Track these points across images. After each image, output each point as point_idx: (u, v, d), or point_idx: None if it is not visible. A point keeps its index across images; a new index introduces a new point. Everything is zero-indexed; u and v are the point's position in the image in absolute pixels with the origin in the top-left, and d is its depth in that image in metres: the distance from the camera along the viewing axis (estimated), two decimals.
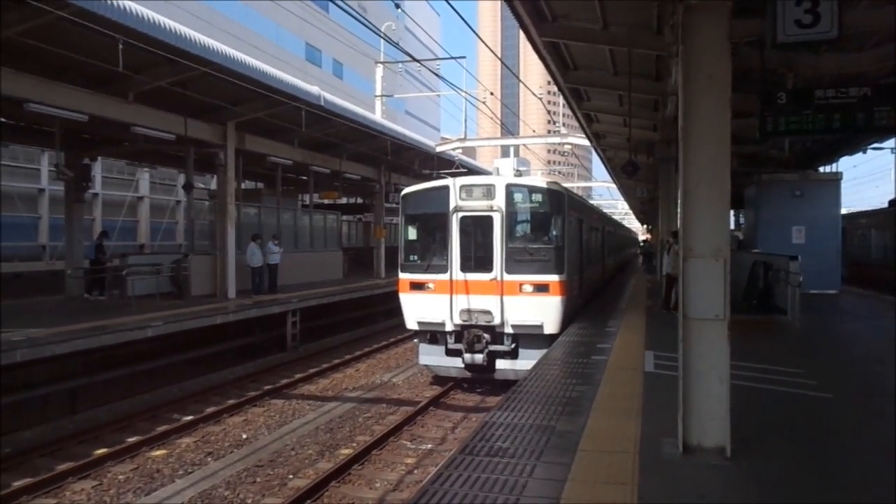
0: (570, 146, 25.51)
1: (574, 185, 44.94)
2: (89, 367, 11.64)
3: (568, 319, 12.94)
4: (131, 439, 10.02)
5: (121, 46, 11.25)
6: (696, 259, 5.24)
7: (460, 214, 12.70)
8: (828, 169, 21.77)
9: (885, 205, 26.20)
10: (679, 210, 5.39)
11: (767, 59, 9.35)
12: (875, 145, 21.37)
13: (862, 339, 11.89)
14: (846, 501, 4.55)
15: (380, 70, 31.63)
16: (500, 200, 12.49)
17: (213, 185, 23.33)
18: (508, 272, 12.35)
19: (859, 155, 22.03)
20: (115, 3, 10.81)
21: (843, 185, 19.83)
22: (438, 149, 25.85)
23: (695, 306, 5.23)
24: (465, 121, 25.81)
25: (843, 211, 22.51)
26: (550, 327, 12.24)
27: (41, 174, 23.08)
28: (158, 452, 9.54)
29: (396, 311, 14.20)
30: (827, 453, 5.46)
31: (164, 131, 15.69)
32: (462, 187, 12.74)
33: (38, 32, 10.97)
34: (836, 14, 5.14)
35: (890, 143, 23.86)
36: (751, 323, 12.69)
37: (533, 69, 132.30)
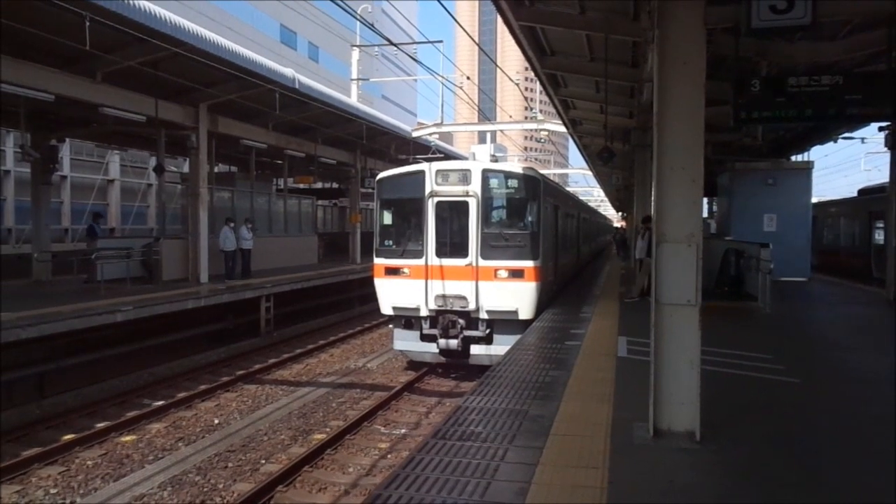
0: (546, 133, 25.50)
1: (550, 171, 45.00)
2: (57, 351, 11.43)
3: (542, 305, 12.98)
4: (100, 425, 9.89)
5: (87, 24, 10.95)
6: (668, 244, 5.24)
7: (436, 199, 12.64)
8: (799, 158, 22.05)
9: (855, 194, 26.63)
10: (653, 195, 5.39)
11: (742, 47, 9.42)
12: (846, 135, 21.68)
13: (830, 326, 12.09)
14: (811, 483, 4.62)
15: (356, 53, 31.28)
16: (475, 186, 12.46)
17: (186, 169, 22.96)
18: (484, 258, 12.35)
19: (830, 144, 22.35)
20: None
21: (814, 174, 20.13)
22: (415, 134, 25.72)
23: (667, 292, 5.25)
24: (442, 106, 25.74)
25: (814, 200, 22.82)
26: (525, 313, 12.28)
27: (6, 155, 22.46)
28: (128, 438, 9.42)
29: (371, 297, 14.15)
30: (794, 437, 5.55)
31: (134, 112, 15.34)
32: (438, 172, 12.68)
33: None
34: (811, 0, 5.16)
35: (860, 132, 24.20)
36: (722, 309, 12.84)
37: (510, 54, 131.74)
